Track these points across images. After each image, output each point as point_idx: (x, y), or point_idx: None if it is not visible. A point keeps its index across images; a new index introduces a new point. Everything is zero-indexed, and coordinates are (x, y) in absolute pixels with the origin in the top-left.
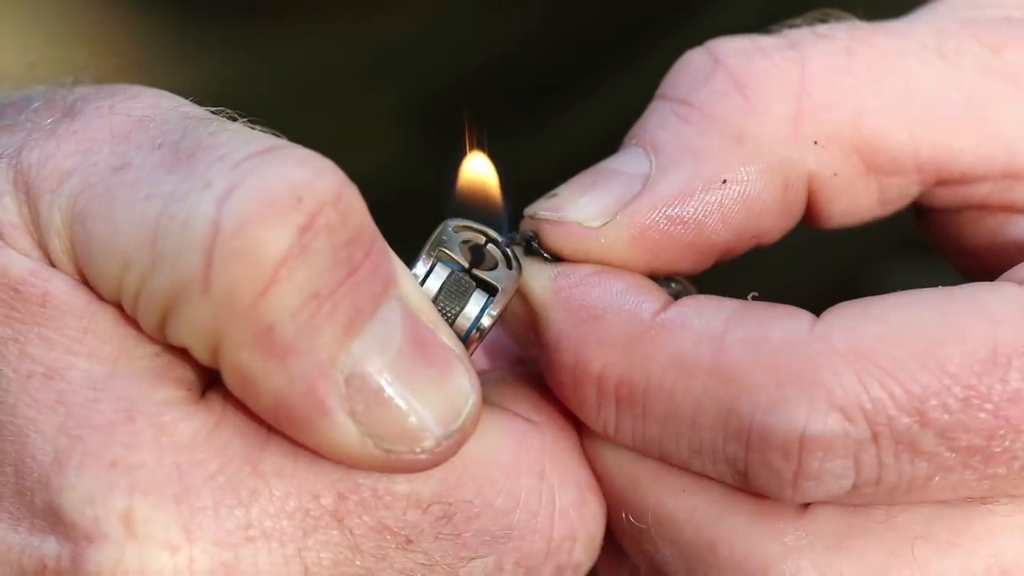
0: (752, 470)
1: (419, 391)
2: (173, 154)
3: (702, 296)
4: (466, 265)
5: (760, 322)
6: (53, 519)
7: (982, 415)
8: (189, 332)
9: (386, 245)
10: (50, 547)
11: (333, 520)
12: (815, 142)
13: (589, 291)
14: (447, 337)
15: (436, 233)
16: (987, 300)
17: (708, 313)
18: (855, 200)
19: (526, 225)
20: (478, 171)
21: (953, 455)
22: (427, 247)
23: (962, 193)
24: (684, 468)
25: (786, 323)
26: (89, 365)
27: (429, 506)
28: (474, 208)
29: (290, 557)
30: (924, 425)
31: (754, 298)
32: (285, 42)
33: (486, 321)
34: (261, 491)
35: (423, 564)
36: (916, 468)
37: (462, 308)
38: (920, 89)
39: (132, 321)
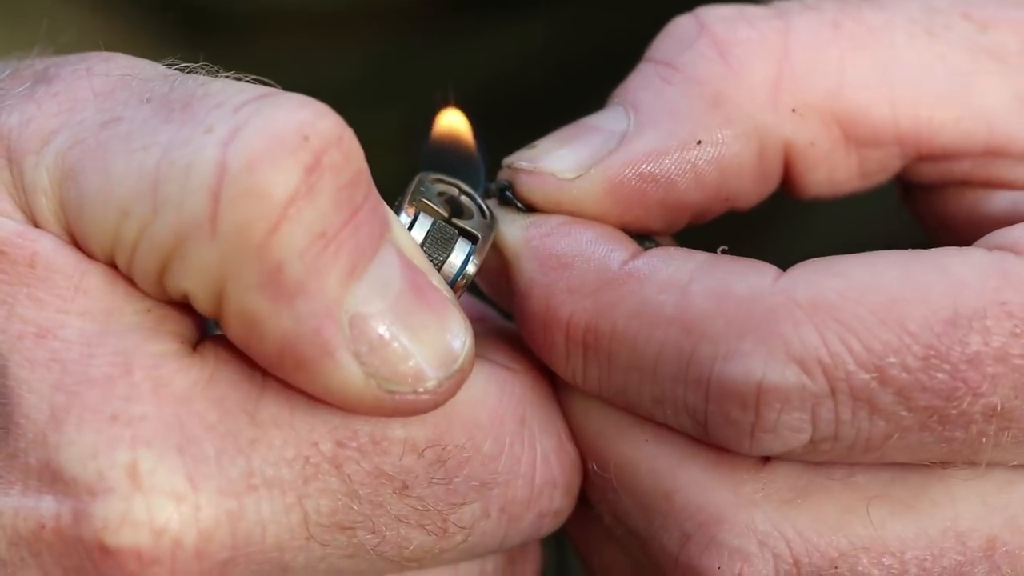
0: (711, 421)
1: (419, 332)
2: (165, 106)
3: (672, 248)
4: (446, 215)
5: (725, 274)
6: (51, 477)
7: (940, 375)
8: (194, 277)
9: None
10: (47, 506)
11: (332, 467)
12: (793, 110)
13: (559, 240)
14: (438, 282)
15: (413, 185)
16: (953, 263)
17: (675, 263)
18: (834, 171)
19: (503, 175)
20: (452, 123)
21: (910, 414)
22: (407, 197)
23: (944, 169)
24: (648, 418)
25: (751, 276)
26: (82, 323)
27: (424, 450)
28: (450, 160)
29: (291, 505)
30: (882, 382)
31: (723, 251)
32: (284, 62)
33: (471, 268)
34: (260, 440)
35: (417, 510)
36: (874, 426)
37: (447, 256)
38: (904, 63)
39: (122, 278)
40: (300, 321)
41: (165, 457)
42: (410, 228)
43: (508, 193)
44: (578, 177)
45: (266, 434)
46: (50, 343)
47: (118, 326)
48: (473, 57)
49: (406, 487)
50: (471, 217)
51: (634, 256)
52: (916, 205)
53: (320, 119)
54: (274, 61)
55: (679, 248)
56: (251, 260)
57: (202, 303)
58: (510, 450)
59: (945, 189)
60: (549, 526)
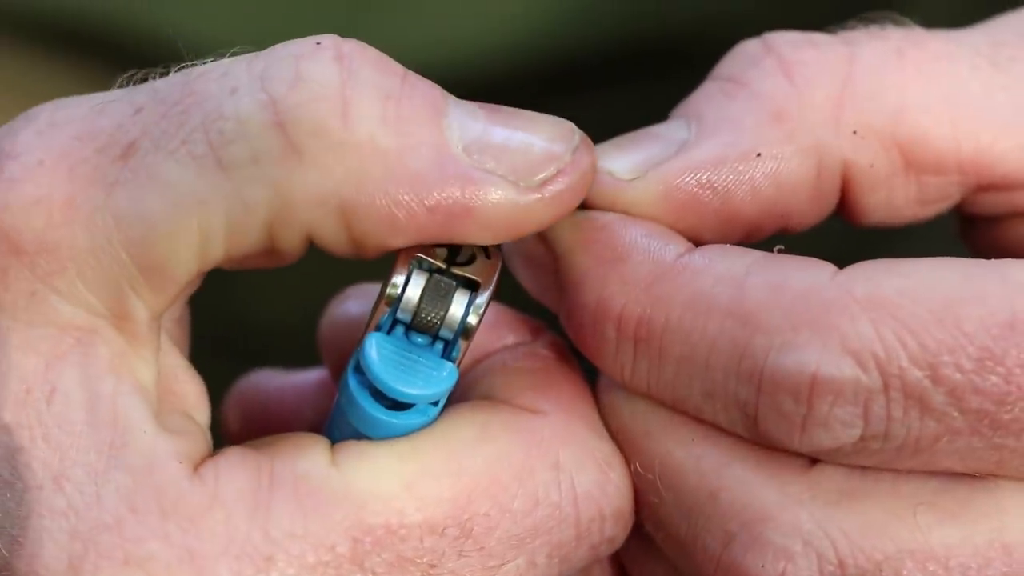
0: (762, 413)
1: (524, 125)
2: (160, 104)
3: (727, 245)
4: (443, 265)
5: (782, 268)
6: None
7: (993, 378)
8: (309, 211)
9: None
10: None
11: (353, 565)
12: (854, 131)
13: (614, 233)
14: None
15: None
16: (1014, 272)
17: (732, 258)
18: (892, 195)
19: None
20: None
21: (961, 416)
22: (400, 255)
23: (1004, 199)
24: (695, 416)
25: (808, 271)
26: (90, 458)
27: (444, 529)
28: None
29: None
30: (935, 381)
31: (780, 251)
32: None
33: (472, 319)
34: (277, 555)
35: None
36: (924, 426)
37: (446, 311)
38: (967, 91)
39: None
40: (423, 172)
41: None
42: (404, 287)
43: None
44: (635, 179)
45: (281, 548)
46: (65, 489)
47: (120, 458)
48: None
49: (434, 566)
50: (472, 259)
51: (689, 250)
52: (975, 237)
53: (322, 39)
54: None
55: (735, 246)
56: (344, 154)
57: (328, 232)
58: (545, 500)
59: (1005, 220)
60: (605, 551)
